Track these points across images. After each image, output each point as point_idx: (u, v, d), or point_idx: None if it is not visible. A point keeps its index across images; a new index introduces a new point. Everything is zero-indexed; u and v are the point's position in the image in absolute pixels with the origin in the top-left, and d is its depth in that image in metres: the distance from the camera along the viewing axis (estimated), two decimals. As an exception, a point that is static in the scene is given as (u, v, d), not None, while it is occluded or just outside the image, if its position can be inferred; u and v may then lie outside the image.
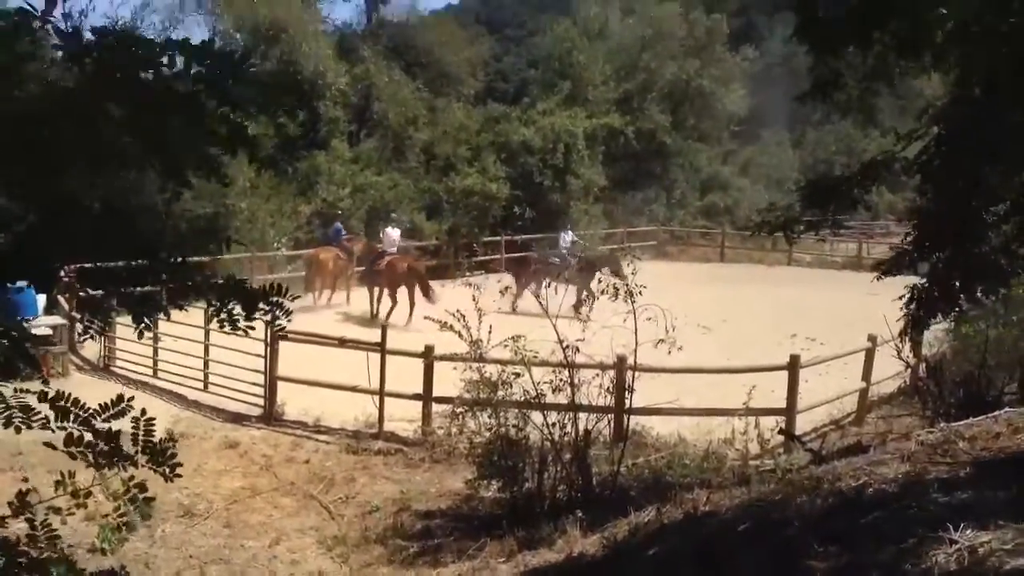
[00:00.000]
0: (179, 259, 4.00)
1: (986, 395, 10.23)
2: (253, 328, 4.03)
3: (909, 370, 12.34)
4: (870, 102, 9.98)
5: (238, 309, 3.91)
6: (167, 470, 3.94)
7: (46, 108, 3.38)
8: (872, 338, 12.57)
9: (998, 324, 11.08)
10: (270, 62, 29.84)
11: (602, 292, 8.49)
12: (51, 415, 3.73)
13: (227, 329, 3.95)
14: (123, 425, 3.90)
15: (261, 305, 3.94)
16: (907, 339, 11.18)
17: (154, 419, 3.93)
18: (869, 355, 12.61)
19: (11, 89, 3.37)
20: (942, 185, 8.81)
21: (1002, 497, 4.85)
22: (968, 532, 4.14)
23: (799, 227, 9.49)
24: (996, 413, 7.74)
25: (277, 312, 4.01)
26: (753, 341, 17.11)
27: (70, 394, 3.79)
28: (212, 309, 3.89)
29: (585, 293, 19.52)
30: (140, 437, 3.87)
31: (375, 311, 20.92)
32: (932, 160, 8.86)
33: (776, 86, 48.43)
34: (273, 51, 30.25)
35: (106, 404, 3.83)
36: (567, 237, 23.56)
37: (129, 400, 3.91)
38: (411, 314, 19.01)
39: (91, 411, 3.77)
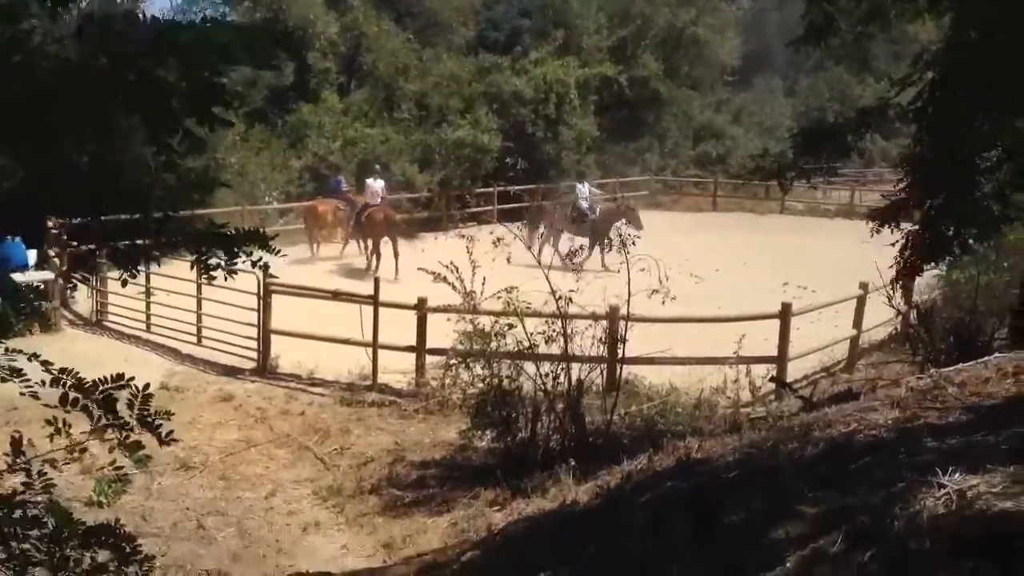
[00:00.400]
0: (167, 214, 3.97)
1: (976, 341, 10.27)
2: (235, 275, 4.01)
3: (900, 317, 12.40)
4: (864, 47, 9.92)
5: (220, 256, 3.89)
6: (161, 436, 3.95)
7: (51, 80, 3.34)
8: (863, 285, 12.61)
9: (988, 270, 11.11)
10: (257, 11, 29.46)
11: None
12: (45, 378, 3.72)
13: (211, 278, 3.93)
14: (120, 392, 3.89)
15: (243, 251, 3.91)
16: (898, 286, 11.23)
17: (151, 394, 3.92)
18: (860, 302, 12.66)
19: (16, 61, 3.33)
20: (936, 131, 8.79)
21: (991, 441, 4.89)
22: (957, 476, 4.17)
23: (792, 174, 9.48)
24: (986, 359, 7.77)
25: (260, 254, 3.98)
26: (745, 290, 17.15)
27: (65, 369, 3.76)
28: (194, 259, 3.87)
29: (600, 244, 19.84)
30: (136, 411, 3.86)
31: (369, 264, 20.92)
32: (926, 106, 8.82)
33: (769, 33, 48.09)
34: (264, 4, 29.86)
35: (105, 379, 3.80)
36: (584, 189, 23.37)
37: (128, 379, 3.88)
38: (396, 265, 19.13)
39: (87, 383, 3.75)
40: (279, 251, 4.17)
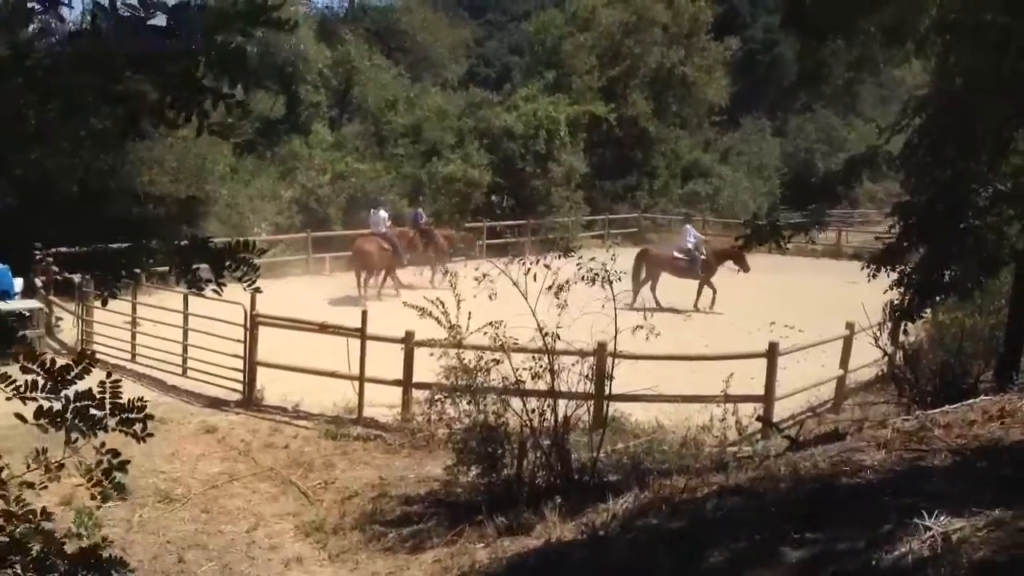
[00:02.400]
0: (155, 242, 3.95)
1: (962, 383, 10.31)
2: (223, 288, 3.97)
3: (886, 358, 12.43)
4: (853, 91, 10.09)
5: (207, 271, 3.86)
6: (139, 429, 3.88)
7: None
8: (850, 326, 12.66)
9: (974, 313, 11.17)
10: (248, 43, 29.63)
11: (581, 278, 8.48)
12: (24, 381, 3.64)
13: (200, 290, 3.88)
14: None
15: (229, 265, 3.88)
16: (886, 327, 11.30)
17: (120, 380, 3.87)
18: (847, 343, 12.70)
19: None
20: (927, 177, 8.90)
21: (976, 484, 4.90)
22: (942, 519, 4.18)
23: (787, 233, 9.62)
24: (971, 401, 7.81)
25: (246, 270, 3.94)
26: (732, 328, 17.19)
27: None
28: (178, 272, 3.82)
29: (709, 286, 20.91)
30: (107, 399, 3.79)
31: (361, 294, 21.32)
32: (916, 152, 8.95)
33: (758, 74, 48.64)
34: (254, 36, 30.01)
35: (68, 364, 3.74)
36: (691, 230, 23.55)
37: (92, 356, 3.83)
38: (379, 290, 20.43)
39: (56, 370, 3.68)
40: (258, 269, 4.11)
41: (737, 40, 45.23)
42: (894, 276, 9.71)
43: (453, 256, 22.06)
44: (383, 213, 23.24)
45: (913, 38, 8.89)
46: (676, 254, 21.82)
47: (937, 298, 9.83)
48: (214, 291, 3.95)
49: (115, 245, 3.99)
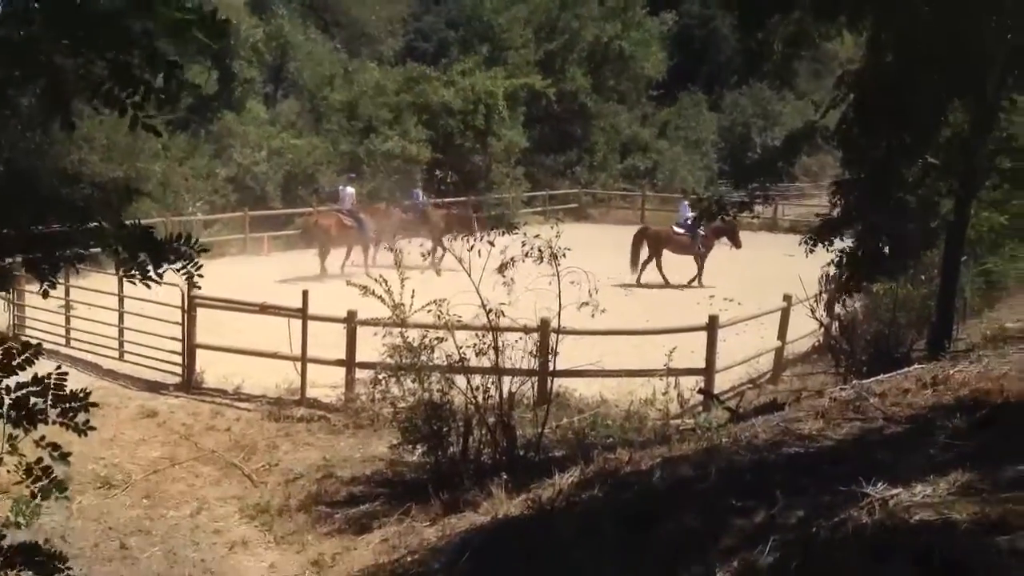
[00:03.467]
0: (88, 225, 3.86)
1: (895, 352, 10.57)
2: (161, 279, 3.90)
3: (822, 329, 12.68)
4: (791, 67, 10.22)
5: (146, 259, 3.78)
6: (79, 424, 3.81)
7: None
8: (788, 298, 12.87)
9: (907, 283, 11.43)
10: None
11: (526, 255, 8.48)
12: None
13: (137, 280, 3.81)
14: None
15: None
16: (822, 299, 11.53)
17: (66, 373, 3.79)
18: (785, 315, 12.91)
19: None
20: (863, 152, 9.07)
21: (911, 452, 5.04)
22: (879, 486, 4.28)
23: (733, 210, 9.76)
24: (905, 370, 8.00)
25: (187, 261, 3.89)
26: (673, 302, 17.39)
27: None
28: (119, 259, 3.74)
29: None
30: (51, 389, 3.72)
31: (322, 269, 20.92)
32: (851, 128, 9.11)
33: (694, 48, 48.96)
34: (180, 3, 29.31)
35: (9, 348, 3.65)
36: (685, 208, 23.51)
37: (36, 348, 3.75)
38: (343, 267, 19.77)
39: None
40: (200, 259, 4.06)
41: (673, 14, 45.40)
42: (833, 251, 9.90)
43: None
44: (350, 189, 23.07)
45: (846, 12, 9.00)
46: (677, 230, 21.91)
47: (875, 273, 10.05)
48: (153, 280, 3.88)
49: (51, 228, 3.89)
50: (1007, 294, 14.42)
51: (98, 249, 3.94)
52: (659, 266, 21.36)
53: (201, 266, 4.02)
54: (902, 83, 8.77)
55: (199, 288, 4.34)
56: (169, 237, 3.87)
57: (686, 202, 23.49)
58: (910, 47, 8.82)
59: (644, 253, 21.42)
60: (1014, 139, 9.59)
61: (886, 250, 9.58)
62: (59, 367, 3.78)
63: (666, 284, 20.61)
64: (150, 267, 3.80)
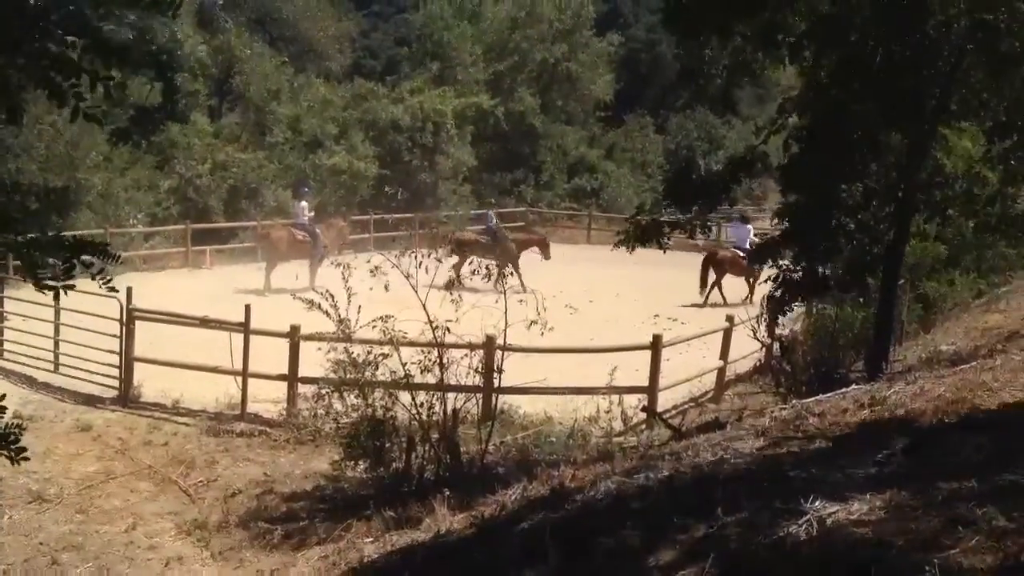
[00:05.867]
0: (27, 236, 3.77)
1: (835, 373, 10.74)
2: (73, 287, 3.81)
3: (764, 349, 12.86)
4: (732, 94, 10.40)
5: (55, 265, 3.70)
6: (13, 454, 3.73)
7: None
8: (730, 318, 13.05)
9: (845, 305, 11.65)
10: (122, 30, 28.58)
11: (473, 273, 8.50)
12: None
13: (48, 288, 3.72)
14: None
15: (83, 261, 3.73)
16: (763, 319, 11.70)
17: (4, 406, 3.70)
18: (727, 335, 13.08)
19: None
20: (805, 179, 9.25)
21: (849, 469, 5.12)
22: (818, 503, 4.34)
23: (666, 232, 9.85)
24: (844, 390, 8.15)
25: (100, 269, 3.81)
26: (618, 321, 17.51)
27: None
28: (27, 266, 3.64)
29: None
30: None
31: (266, 284, 20.69)
32: (795, 157, 9.29)
33: (640, 72, 49.54)
34: (125, 17, 28.95)
35: None
36: (746, 231, 23.51)
37: None
38: (311, 281, 18.75)
39: None
40: (119, 257, 4.00)
41: (619, 36, 46.01)
42: (770, 272, 10.07)
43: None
44: (303, 203, 22.59)
45: (787, 43, 9.20)
46: (740, 254, 21.96)
47: (809, 294, 10.23)
48: (62, 289, 3.78)
49: None
50: (942, 318, 14.77)
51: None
52: (720, 289, 21.58)
53: (110, 280, 3.94)
54: (840, 110, 8.97)
55: (116, 291, 4.25)
56: (77, 242, 3.79)
57: (749, 226, 23.71)
58: (847, 77, 9.03)
59: (711, 278, 21.63)
60: (942, 171, 9.83)
61: (823, 272, 9.76)
62: (2, 396, 3.67)
63: (725, 304, 20.61)
64: (58, 274, 3.71)
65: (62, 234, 3.83)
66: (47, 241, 3.73)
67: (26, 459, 3.79)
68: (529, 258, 23.48)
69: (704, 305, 20.54)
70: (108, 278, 4.04)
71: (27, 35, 3.30)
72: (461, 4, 40.11)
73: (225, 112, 33.54)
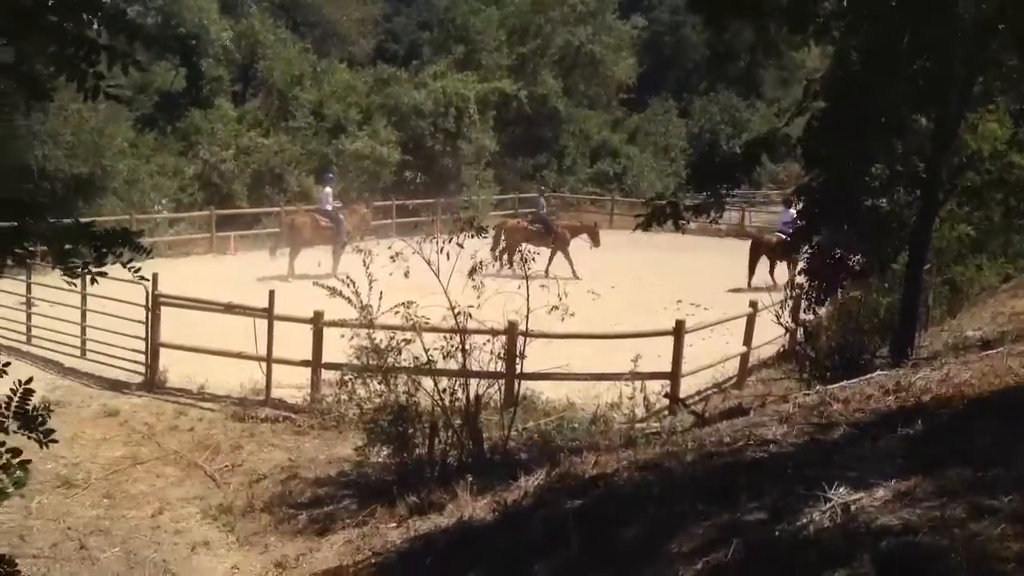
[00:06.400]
0: (53, 221, 3.81)
1: (859, 359, 10.66)
2: (104, 275, 3.84)
3: (787, 335, 12.78)
4: (756, 74, 10.30)
5: (86, 255, 3.73)
6: (41, 436, 3.78)
7: None
8: (753, 304, 12.98)
9: (871, 291, 11.55)
10: (149, 15, 28.76)
11: (494, 259, 8.49)
12: None
13: (77, 278, 3.76)
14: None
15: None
16: (787, 305, 11.64)
17: (32, 389, 3.75)
18: (750, 320, 13.01)
19: None
20: (827, 160, 9.17)
21: (873, 457, 5.09)
22: (841, 490, 4.32)
23: (688, 214, 9.79)
24: (868, 376, 8.09)
25: (131, 256, 3.84)
26: (640, 307, 17.46)
27: None
28: (56, 255, 3.68)
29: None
30: (14, 403, 3.69)
31: (291, 269, 20.79)
32: (817, 136, 9.21)
33: (664, 55, 49.22)
34: (153, 2, 29.13)
35: None
36: (791, 213, 23.54)
37: (5, 365, 3.72)
38: (334, 268, 18.85)
39: None
40: (150, 250, 4.04)
41: (642, 19, 45.71)
42: (801, 262, 10.01)
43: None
44: (327, 189, 22.72)
45: (813, 22, 9.10)
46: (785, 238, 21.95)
47: (843, 283, 10.15)
48: (93, 278, 3.82)
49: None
50: (968, 303, 14.62)
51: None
52: (772, 273, 21.34)
53: (139, 268, 3.97)
54: (867, 90, 8.88)
55: (144, 280, 4.29)
56: (108, 233, 3.82)
57: (792, 211, 23.61)
58: (874, 58, 8.93)
59: (760, 262, 21.50)
60: (978, 155, 9.72)
61: (851, 262, 9.69)
62: (29, 380, 3.72)
63: (776, 288, 20.51)
64: (89, 264, 3.74)
65: (92, 224, 3.86)
66: (77, 231, 3.76)
67: (54, 441, 3.84)
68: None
69: (749, 289, 20.35)
70: (137, 267, 4.07)
71: (42, 13, 3.31)
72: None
73: (249, 97, 33.64)
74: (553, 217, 24.17)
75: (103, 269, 3.82)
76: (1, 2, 3.34)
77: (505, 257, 21.48)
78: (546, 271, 21.91)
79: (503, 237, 22.32)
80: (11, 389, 3.67)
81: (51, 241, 3.73)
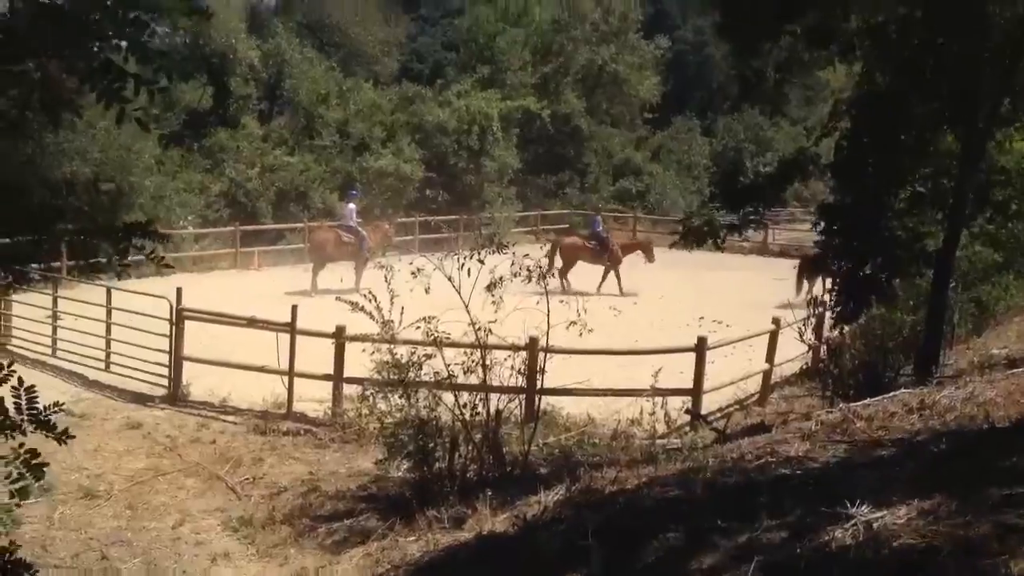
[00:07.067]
0: (80, 237, 3.86)
1: (883, 377, 10.59)
2: (128, 266, 3.89)
3: (810, 352, 12.70)
4: (782, 93, 10.30)
5: (107, 250, 3.78)
6: (60, 435, 3.81)
7: None
8: (776, 321, 12.90)
9: (895, 309, 11.47)
10: (177, 35, 29.09)
11: (515, 275, 8.49)
12: None
13: (98, 271, 3.82)
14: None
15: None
16: (810, 322, 11.57)
17: (35, 386, 3.78)
18: (773, 337, 12.93)
19: None
20: (855, 181, 9.15)
21: (896, 475, 5.05)
22: (864, 508, 4.29)
23: (723, 232, 9.79)
24: (892, 394, 8.03)
25: (152, 248, 3.88)
26: (662, 323, 17.41)
27: None
28: (79, 253, 3.73)
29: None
30: (24, 406, 3.72)
31: (313, 286, 20.91)
32: (845, 158, 9.20)
33: (688, 73, 49.23)
34: (183, 24, 29.44)
35: None
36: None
37: (10, 367, 3.75)
38: (357, 284, 18.97)
39: None
40: (168, 237, 4.10)
41: (667, 39, 45.78)
42: (828, 282, 9.97)
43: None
44: (351, 205, 22.80)
45: (839, 41, 9.10)
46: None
47: (867, 303, 10.10)
48: (117, 271, 3.88)
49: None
50: (994, 322, 14.48)
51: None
52: (811, 290, 21.31)
53: (163, 258, 4.03)
54: (894, 111, 8.85)
55: (170, 267, 4.33)
56: (130, 227, 3.87)
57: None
58: (901, 77, 8.91)
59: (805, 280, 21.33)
60: (1005, 171, 9.67)
61: (877, 281, 9.64)
62: (21, 381, 3.76)
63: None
64: (112, 261, 3.80)
65: (112, 222, 3.92)
66: (99, 228, 3.81)
67: (72, 437, 3.86)
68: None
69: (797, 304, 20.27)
70: (161, 256, 4.12)
71: (67, 37, 3.38)
72: (507, 7, 40.11)
73: (275, 115, 33.93)
74: (607, 235, 24.08)
75: (128, 262, 3.88)
76: (35, 26, 3.40)
77: (559, 273, 21.66)
78: (599, 288, 22.06)
79: (559, 254, 22.46)
80: (11, 387, 3.70)
81: (74, 241, 3.79)
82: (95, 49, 3.52)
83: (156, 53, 3.54)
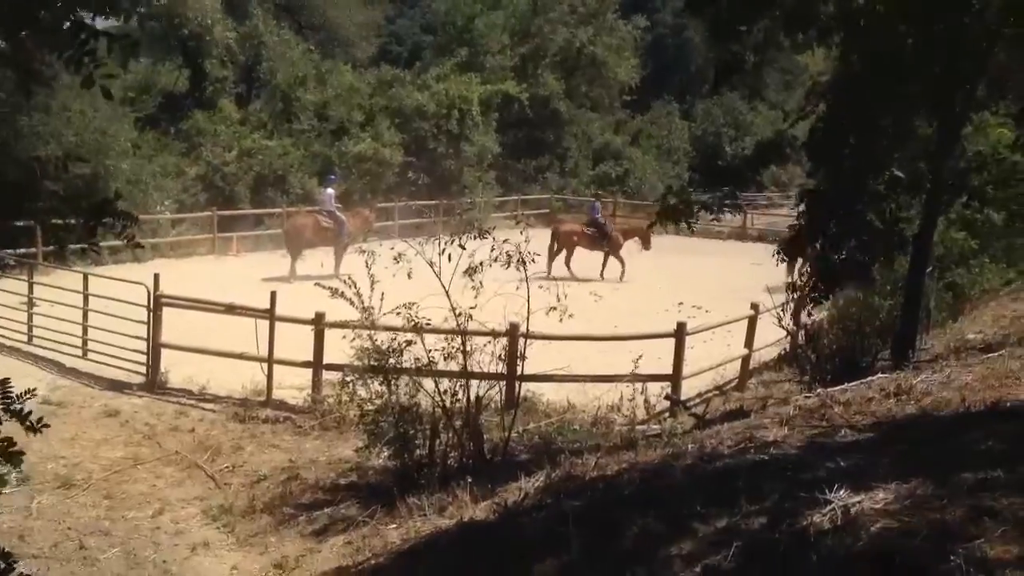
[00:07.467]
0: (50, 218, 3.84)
1: (861, 362, 10.66)
2: (97, 244, 3.87)
3: (789, 337, 12.77)
4: (761, 77, 10.31)
5: (78, 225, 3.75)
6: (33, 423, 3.78)
7: None
8: (755, 306, 12.97)
9: (872, 294, 11.55)
10: (152, 17, 28.80)
11: (495, 259, 8.47)
12: None
13: (61, 246, 3.82)
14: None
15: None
16: (789, 308, 11.63)
17: (9, 379, 3.74)
18: (751, 323, 13.01)
19: None
20: (832, 164, 9.17)
21: (874, 459, 5.09)
22: (842, 493, 4.32)
23: (697, 210, 9.79)
24: (869, 379, 8.09)
25: (123, 225, 3.85)
26: (642, 309, 17.45)
27: None
28: (51, 234, 3.74)
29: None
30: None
31: (292, 271, 20.79)
32: (821, 140, 9.21)
33: (666, 57, 49.19)
34: (157, 2, 29.13)
35: None
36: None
37: None
38: (336, 269, 18.60)
39: None
40: (137, 218, 4.05)
41: (645, 19, 45.70)
42: (800, 262, 10.00)
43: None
44: (330, 191, 22.73)
45: (816, 25, 9.10)
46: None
47: (840, 285, 10.16)
48: (88, 250, 3.85)
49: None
50: (970, 307, 14.61)
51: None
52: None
53: (134, 236, 3.99)
54: (871, 95, 8.87)
55: (141, 246, 4.28)
56: (99, 204, 3.83)
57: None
58: (879, 61, 8.93)
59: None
60: (981, 156, 9.73)
61: (850, 263, 9.67)
62: (6, 379, 3.72)
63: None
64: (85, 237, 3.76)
65: (79, 198, 3.89)
66: (67, 205, 3.80)
67: (46, 426, 3.83)
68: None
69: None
70: (133, 235, 4.09)
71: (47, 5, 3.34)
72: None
73: (253, 99, 33.63)
74: (605, 221, 24.13)
75: (97, 239, 3.84)
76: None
77: (564, 262, 21.71)
78: (601, 274, 22.11)
79: (556, 241, 22.51)
80: None
81: (42, 218, 3.79)
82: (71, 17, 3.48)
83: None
